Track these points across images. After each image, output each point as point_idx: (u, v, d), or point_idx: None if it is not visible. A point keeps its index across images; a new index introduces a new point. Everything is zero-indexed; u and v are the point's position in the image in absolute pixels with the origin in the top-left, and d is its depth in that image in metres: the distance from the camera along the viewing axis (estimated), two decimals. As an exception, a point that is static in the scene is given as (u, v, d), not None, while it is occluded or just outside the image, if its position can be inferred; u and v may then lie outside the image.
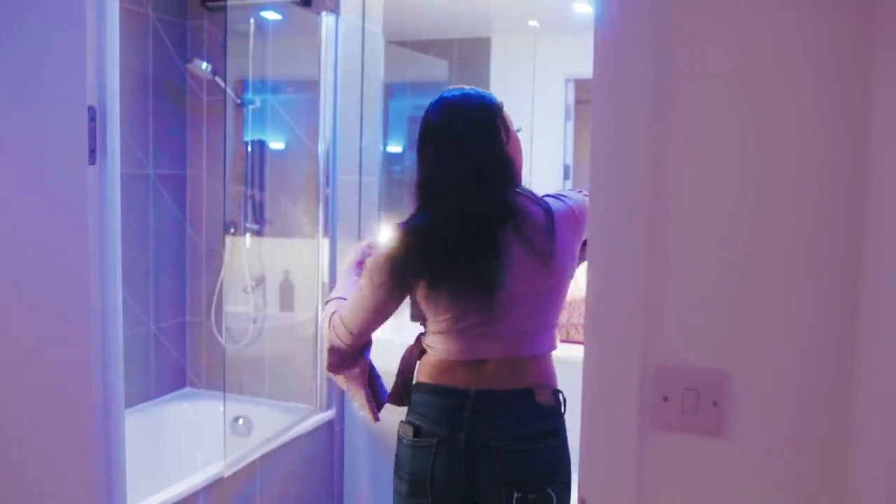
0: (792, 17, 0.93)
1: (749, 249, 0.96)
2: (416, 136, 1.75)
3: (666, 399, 0.99)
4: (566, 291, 1.75)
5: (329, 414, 2.98)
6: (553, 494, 1.66)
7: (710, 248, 0.98)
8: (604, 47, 0.99)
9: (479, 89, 1.77)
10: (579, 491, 1.04)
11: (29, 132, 1.48)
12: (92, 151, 1.39)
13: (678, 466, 1.00)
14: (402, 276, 1.70)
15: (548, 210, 1.69)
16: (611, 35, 0.99)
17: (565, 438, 1.72)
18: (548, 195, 1.76)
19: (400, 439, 1.77)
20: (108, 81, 1.40)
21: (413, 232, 1.69)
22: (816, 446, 0.94)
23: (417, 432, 1.72)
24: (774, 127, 0.95)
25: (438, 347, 1.74)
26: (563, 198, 1.75)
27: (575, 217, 1.71)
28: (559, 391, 1.74)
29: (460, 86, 1.77)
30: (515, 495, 1.63)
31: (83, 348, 1.50)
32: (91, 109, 1.38)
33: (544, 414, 1.70)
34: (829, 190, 0.93)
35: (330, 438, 3.00)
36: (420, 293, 1.71)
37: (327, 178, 3.00)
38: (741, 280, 0.97)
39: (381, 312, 1.76)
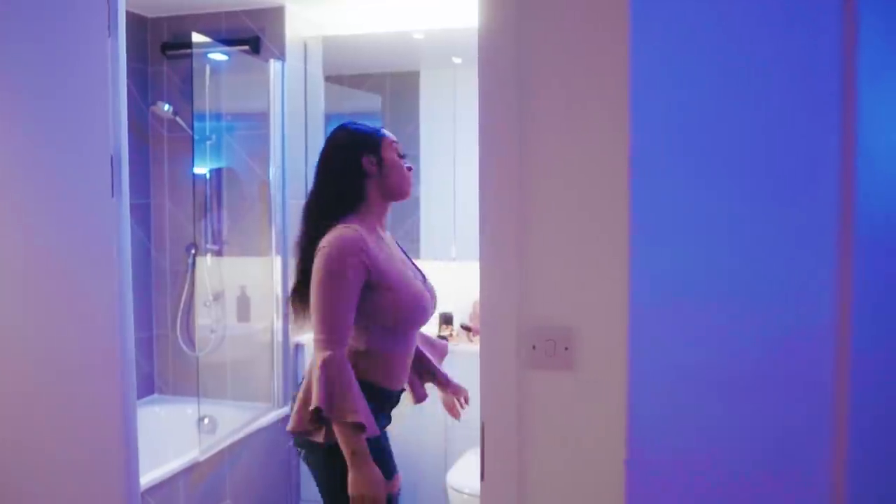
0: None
1: (580, 249, 1.44)
2: None
3: (534, 347, 1.46)
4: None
5: (284, 410, 3.32)
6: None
7: (558, 249, 1.45)
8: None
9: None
10: (481, 416, 1.50)
11: (65, 174, 1.89)
12: (112, 187, 1.81)
13: (544, 393, 1.47)
14: None
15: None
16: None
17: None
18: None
19: None
20: (121, 134, 1.83)
21: None
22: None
23: None
24: (593, 160, 1.43)
25: None
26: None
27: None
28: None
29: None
30: None
31: (111, 348, 1.89)
32: (111, 157, 1.81)
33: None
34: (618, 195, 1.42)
35: (286, 430, 3.36)
36: None
37: (278, 202, 3.40)
38: (577, 268, 1.44)
39: None
